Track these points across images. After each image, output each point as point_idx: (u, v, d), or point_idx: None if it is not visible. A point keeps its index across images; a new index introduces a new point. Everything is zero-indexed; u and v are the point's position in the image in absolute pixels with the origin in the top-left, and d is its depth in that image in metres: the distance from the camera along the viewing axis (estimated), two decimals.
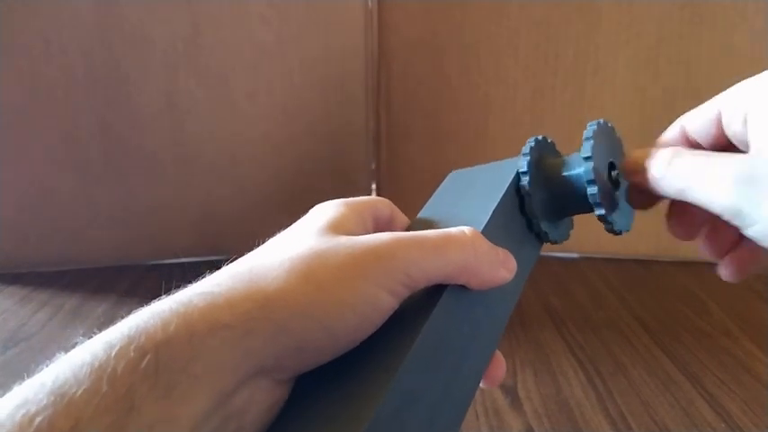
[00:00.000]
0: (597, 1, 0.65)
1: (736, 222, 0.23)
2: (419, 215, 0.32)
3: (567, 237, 0.30)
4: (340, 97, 0.70)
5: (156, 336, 0.19)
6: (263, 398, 0.21)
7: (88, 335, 0.20)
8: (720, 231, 0.29)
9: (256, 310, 0.20)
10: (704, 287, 0.63)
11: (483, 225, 0.26)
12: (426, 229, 0.25)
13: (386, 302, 0.22)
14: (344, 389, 0.21)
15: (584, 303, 0.60)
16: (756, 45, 0.63)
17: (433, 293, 0.24)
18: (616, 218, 0.28)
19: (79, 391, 0.17)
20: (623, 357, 0.49)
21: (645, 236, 0.69)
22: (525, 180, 0.28)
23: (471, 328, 0.25)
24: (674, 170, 0.26)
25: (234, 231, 0.71)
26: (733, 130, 0.26)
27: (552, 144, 0.31)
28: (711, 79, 0.64)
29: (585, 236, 0.76)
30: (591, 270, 0.68)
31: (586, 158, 0.27)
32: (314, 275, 0.22)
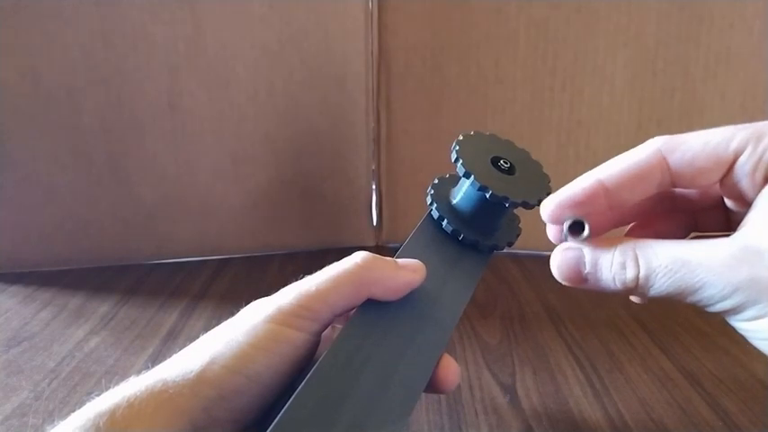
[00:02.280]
0: (596, 2, 0.65)
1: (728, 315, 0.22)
2: None
3: (512, 239, 0.34)
4: (340, 97, 0.70)
5: (99, 407, 0.22)
6: None
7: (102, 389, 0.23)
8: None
9: (179, 370, 0.23)
10: None
11: (399, 251, 0.30)
12: None
13: (291, 336, 0.24)
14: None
15: (582, 302, 0.60)
16: (755, 47, 0.63)
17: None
18: (523, 195, 0.31)
19: None
20: (622, 356, 0.49)
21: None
22: (433, 207, 0.33)
23: (403, 336, 0.27)
24: (654, 273, 0.22)
25: (234, 231, 0.72)
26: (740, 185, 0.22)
27: (454, 176, 0.35)
28: (709, 81, 0.64)
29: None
30: None
31: (461, 172, 0.31)
32: (220, 335, 0.25)
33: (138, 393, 0.22)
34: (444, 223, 0.32)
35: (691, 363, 0.48)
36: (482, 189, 0.30)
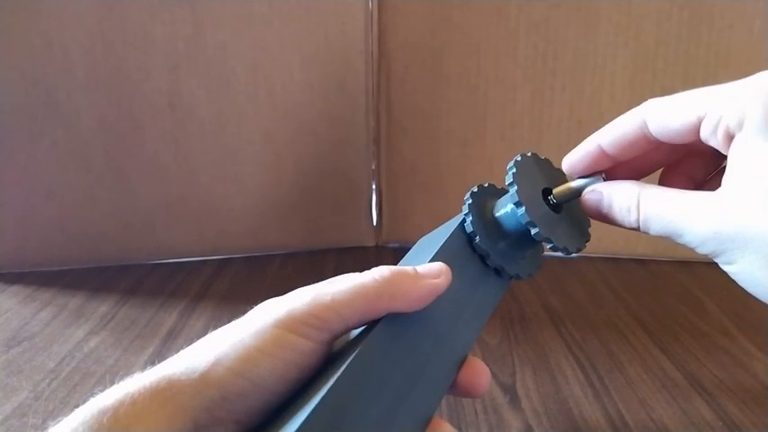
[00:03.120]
0: (596, 2, 0.65)
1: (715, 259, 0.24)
2: None
3: (533, 272, 0.32)
4: (340, 97, 0.70)
5: (102, 404, 0.22)
6: None
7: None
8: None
9: (184, 368, 0.23)
10: (702, 286, 0.63)
11: (425, 263, 0.28)
12: None
13: (298, 343, 0.24)
14: (279, 429, 0.22)
15: (582, 302, 0.60)
16: (755, 47, 0.63)
17: (370, 328, 0.25)
18: (565, 240, 0.29)
19: None
20: (622, 356, 0.49)
21: (644, 236, 0.69)
22: (468, 220, 0.30)
23: (420, 354, 0.26)
24: (650, 218, 0.26)
25: (235, 231, 0.72)
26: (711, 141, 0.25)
27: (499, 189, 0.33)
28: (710, 81, 0.64)
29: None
30: (590, 269, 0.68)
31: (510, 184, 0.29)
32: (228, 335, 0.24)
33: (143, 390, 0.22)
34: (476, 240, 0.30)
35: (691, 363, 0.48)
36: (529, 225, 0.28)
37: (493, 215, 0.31)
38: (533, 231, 0.28)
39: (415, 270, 0.26)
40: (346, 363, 0.23)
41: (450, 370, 0.27)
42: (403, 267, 0.26)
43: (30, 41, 0.61)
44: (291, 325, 0.24)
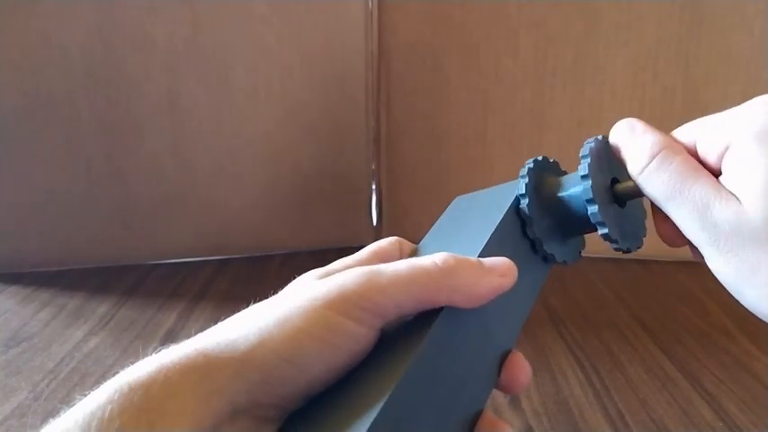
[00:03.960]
0: (596, 1, 0.65)
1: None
2: (422, 242, 0.32)
3: (577, 256, 0.30)
4: (340, 97, 0.70)
5: (132, 377, 0.20)
6: None
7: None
8: None
9: (224, 346, 0.21)
10: (703, 287, 0.63)
11: (479, 250, 0.25)
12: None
13: (350, 328, 0.22)
14: (332, 420, 0.21)
15: (583, 303, 0.60)
16: (755, 46, 0.63)
17: (426, 320, 0.23)
18: (622, 235, 0.27)
19: None
20: (622, 357, 0.49)
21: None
22: (524, 203, 0.27)
23: (471, 349, 0.24)
24: (658, 174, 0.24)
25: (234, 231, 0.72)
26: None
27: (554, 163, 0.30)
28: (710, 80, 0.64)
29: (585, 235, 0.77)
30: (590, 269, 0.68)
31: (584, 177, 0.26)
32: (272, 312, 0.22)
33: (178, 366, 0.20)
34: (532, 227, 0.27)
35: (691, 363, 0.48)
36: (589, 203, 0.26)
37: (554, 195, 0.28)
38: (601, 231, 0.26)
39: (481, 263, 0.24)
40: (407, 363, 0.21)
41: (498, 364, 0.26)
42: (468, 258, 0.24)
43: (29, 41, 0.61)
44: (343, 307, 0.22)
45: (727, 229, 0.22)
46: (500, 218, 0.27)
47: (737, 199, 0.22)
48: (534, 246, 0.28)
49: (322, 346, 0.21)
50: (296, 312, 0.22)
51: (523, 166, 0.29)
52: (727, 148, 0.24)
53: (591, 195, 0.26)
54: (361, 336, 0.22)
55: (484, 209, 0.29)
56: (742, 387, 0.44)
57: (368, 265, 0.24)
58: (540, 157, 0.29)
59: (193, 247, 0.71)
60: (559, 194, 0.28)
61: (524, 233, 0.28)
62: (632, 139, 0.26)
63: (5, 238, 0.66)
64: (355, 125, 0.72)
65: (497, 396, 0.43)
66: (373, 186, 0.75)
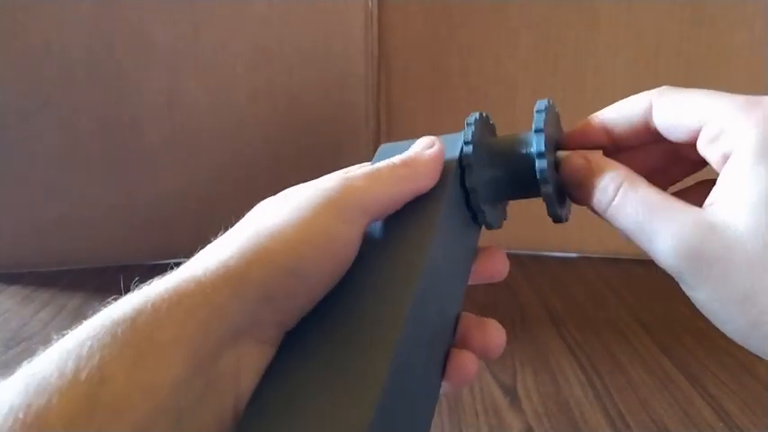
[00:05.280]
0: (597, 1, 0.65)
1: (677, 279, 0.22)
2: None
3: (499, 224, 0.29)
4: (340, 97, 0.70)
5: (116, 313, 0.19)
6: (252, 360, 0.20)
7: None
8: None
9: (214, 268, 0.20)
10: None
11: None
12: None
13: (343, 231, 0.21)
14: (338, 340, 0.21)
15: (583, 303, 0.60)
16: (756, 46, 0.63)
17: (413, 228, 0.24)
18: (559, 203, 0.27)
19: (52, 375, 0.17)
20: (622, 357, 0.49)
21: None
22: (468, 149, 0.26)
23: (456, 254, 0.26)
24: (624, 206, 0.23)
25: None
26: (703, 152, 0.23)
27: (493, 125, 0.30)
28: (711, 79, 0.64)
29: (585, 235, 0.77)
30: (590, 270, 0.68)
31: (537, 131, 0.26)
32: (263, 221, 0.22)
33: (166, 296, 0.19)
34: (470, 176, 0.26)
35: (692, 364, 0.48)
36: (542, 175, 0.25)
37: (498, 149, 0.28)
38: (544, 186, 0.26)
39: (414, 151, 0.26)
40: (417, 279, 0.22)
41: (453, 324, 0.26)
42: (404, 154, 0.26)
43: (29, 42, 0.61)
44: (336, 213, 0.21)
45: (710, 255, 0.21)
46: (449, 179, 0.26)
47: (725, 222, 0.21)
48: (469, 199, 0.27)
49: (321, 253, 0.21)
50: (290, 223, 0.21)
51: (470, 116, 0.28)
52: (700, 129, 0.23)
53: (543, 149, 0.26)
54: (353, 239, 0.22)
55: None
56: (742, 387, 0.44)
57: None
58: (484, 113, 0.29)
59: (193, 248, 0.71)
60: (506, 148, 0.28)
61: (462, 183, 0.27)
62: (590, 175, 0.25)
63: (5, 237, 0.66)
64: (355, 125, 0.71)
65: (497, 396, 0.43)
66: None
